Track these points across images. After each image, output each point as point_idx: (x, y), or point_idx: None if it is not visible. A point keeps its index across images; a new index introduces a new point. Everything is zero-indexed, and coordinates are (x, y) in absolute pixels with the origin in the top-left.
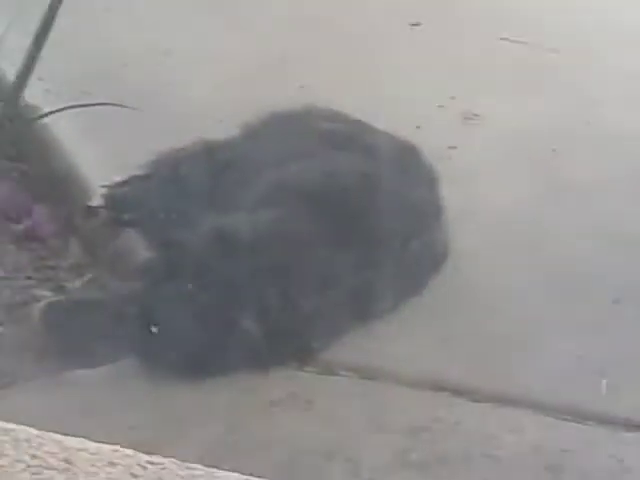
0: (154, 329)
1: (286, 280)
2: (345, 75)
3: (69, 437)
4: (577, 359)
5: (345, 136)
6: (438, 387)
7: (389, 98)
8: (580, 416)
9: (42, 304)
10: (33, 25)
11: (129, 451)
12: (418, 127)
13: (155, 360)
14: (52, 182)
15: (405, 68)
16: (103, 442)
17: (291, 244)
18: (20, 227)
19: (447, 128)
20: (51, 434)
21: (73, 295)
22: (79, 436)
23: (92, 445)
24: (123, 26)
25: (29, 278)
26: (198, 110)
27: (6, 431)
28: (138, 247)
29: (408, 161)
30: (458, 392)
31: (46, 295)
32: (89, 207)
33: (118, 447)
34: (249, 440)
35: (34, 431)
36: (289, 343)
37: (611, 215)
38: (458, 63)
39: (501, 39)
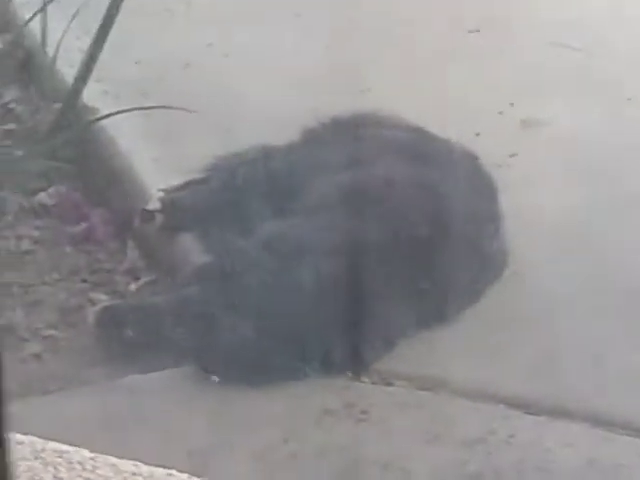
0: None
1: (342, 288)
2: (405, 82)
3: (122, 460)
4: (634, 372)
5: (405, 144)
6: (494, 399)
7: (449, 104)
8: (636, 430)
9: (97, 308)
10: (93, 26)
11: (184, 475)
12: (478, 134)
13: (211, 366)
14: (110, 185)
15: (464, 75)
16: (157, 465)
17: (347, 252)
18: (77, 230)
19: (507, 135)
20: (105, 456)
21: (129, 300)
22: (133, 449)
23: (145, 469)
24: (183, 27)
25: (85, 281)
26: (257, 113)
27: (60, 453)
28: (194, 252)
29: (468, 170)
30: (514, 404)
31: (102, 299)
32: (146, 211)
33: (173, 471)
34: (304, 449)
35: (88, 453)
36: (345, 352)
37: None
38: (517, 69)
39: (560, 45)
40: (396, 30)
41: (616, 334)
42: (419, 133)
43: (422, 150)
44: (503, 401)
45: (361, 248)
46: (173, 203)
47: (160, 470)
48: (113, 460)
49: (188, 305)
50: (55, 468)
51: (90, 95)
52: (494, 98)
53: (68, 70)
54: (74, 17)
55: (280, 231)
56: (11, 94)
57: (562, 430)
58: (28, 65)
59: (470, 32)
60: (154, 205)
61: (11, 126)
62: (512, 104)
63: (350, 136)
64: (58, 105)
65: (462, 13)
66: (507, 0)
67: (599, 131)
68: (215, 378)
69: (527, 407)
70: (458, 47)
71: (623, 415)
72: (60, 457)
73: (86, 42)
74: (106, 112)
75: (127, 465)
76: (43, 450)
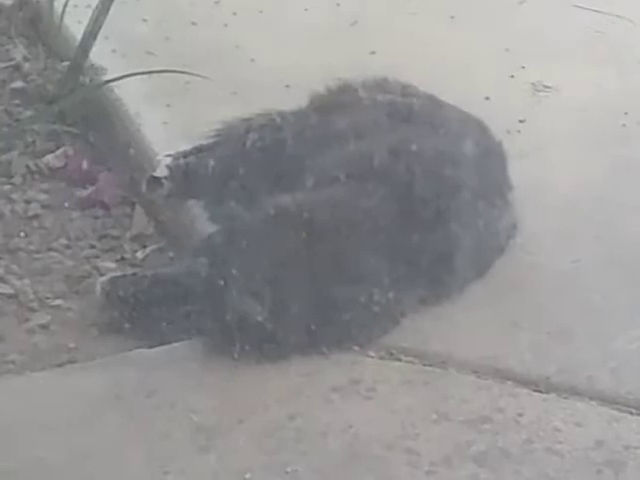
0: None
1: (348, 261)
2: (416, 42)
3: None
4: None
5: (414, 111)
6: (501, 375)
7: (459, 66)
8: None
9: (105, 278)
10: None
11: None
12: (487, 98)
13: (218, 339)
14: (118, 148)
15: (475, 35)
16: None
17: (355, 223)
18: (85, 193)
19: (517, 99)
20: None
21: (136, 270)
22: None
23: None
24: None
25: (92, 247)
26: (265, 74)
27: None
28: (202, 220)
29: (476, 137)
30: (521, 382)
31: (109, 267)
32: (153, 178)
33: None
34: (310, 427)
35: None
36: (351, 326)
37: None
38: (530, 30)
39: (574, 6)
40: None
41: (627, 311)
42: (428, 100)
43: (430, 118)
44: (511, 378)
45: (368, 222)
46: (181, 170)
47: None
48: None
49: (196, 277)
50: None
51: (97, 53)
52: (506, 60)
53: (77, 27)
54: None
55: (286, 203)
56: (19, 51)
57: (570, 409)
58: (36, 22)
59: None
60: (161, 172)
61: (19, 84)
62: (523, 67)
63: (359, 103)
64: (66, 63)
65: None
66: None
67: (610, 96)
68: None
69: (535, 385)
70: (471, 6)
71: (633, 394)
72: None
73: None
74: (114, 71)
75: None
76: None
